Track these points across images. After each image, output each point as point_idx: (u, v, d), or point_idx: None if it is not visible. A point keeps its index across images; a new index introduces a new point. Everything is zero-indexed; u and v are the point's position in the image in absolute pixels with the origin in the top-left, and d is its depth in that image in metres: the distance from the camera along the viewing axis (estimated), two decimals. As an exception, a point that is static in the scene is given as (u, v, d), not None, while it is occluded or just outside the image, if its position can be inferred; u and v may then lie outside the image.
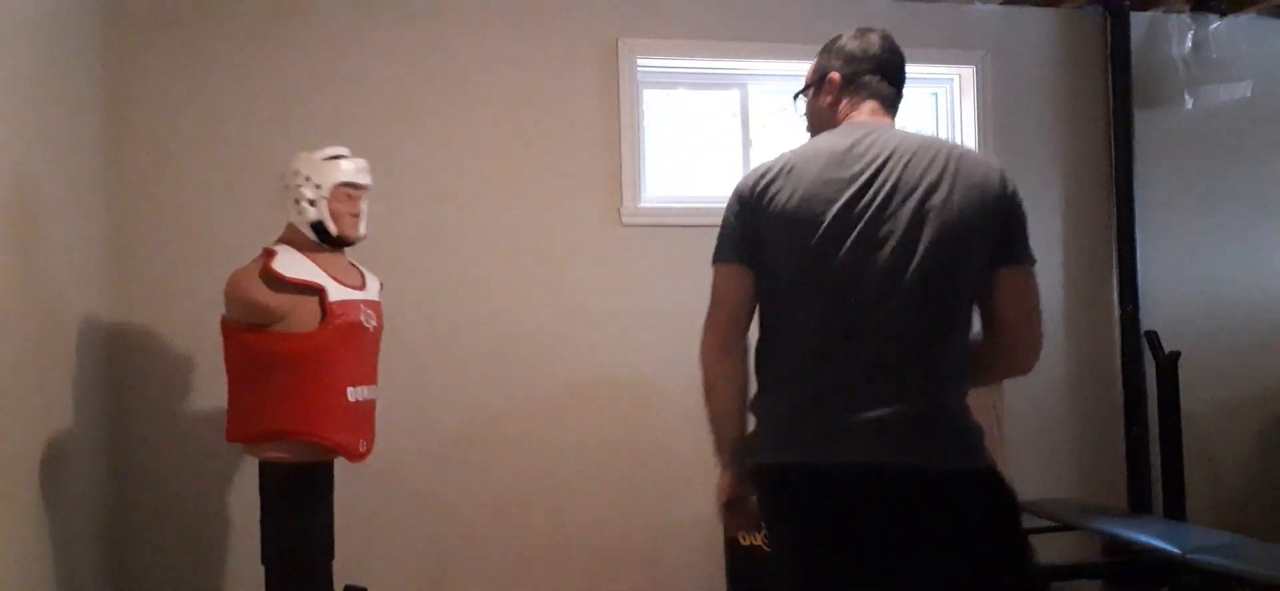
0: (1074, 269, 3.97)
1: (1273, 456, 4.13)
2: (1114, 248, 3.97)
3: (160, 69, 3.23)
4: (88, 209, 2.99)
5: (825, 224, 1.58)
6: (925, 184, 1.58)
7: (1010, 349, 1.65)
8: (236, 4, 3.30)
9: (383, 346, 2.71)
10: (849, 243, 1.57)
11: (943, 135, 3.99)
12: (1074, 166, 3.98)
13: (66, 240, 2.77)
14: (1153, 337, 3.84)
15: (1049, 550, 3.78)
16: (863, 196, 1.58)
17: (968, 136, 3.91)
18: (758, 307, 1.71)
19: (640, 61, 3.64)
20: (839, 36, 1.83)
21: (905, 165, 1.59)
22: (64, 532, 2.62)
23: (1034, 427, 3.87)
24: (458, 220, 3.45)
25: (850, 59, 1.78)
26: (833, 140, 1.68)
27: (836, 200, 1.58)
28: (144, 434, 3.17)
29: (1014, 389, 3.53)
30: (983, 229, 1.58)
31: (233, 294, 2.50)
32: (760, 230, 1.65)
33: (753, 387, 1.71)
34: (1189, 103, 3.98)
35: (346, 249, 2.65)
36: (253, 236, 2.70)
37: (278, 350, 2.45)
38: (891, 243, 1.56)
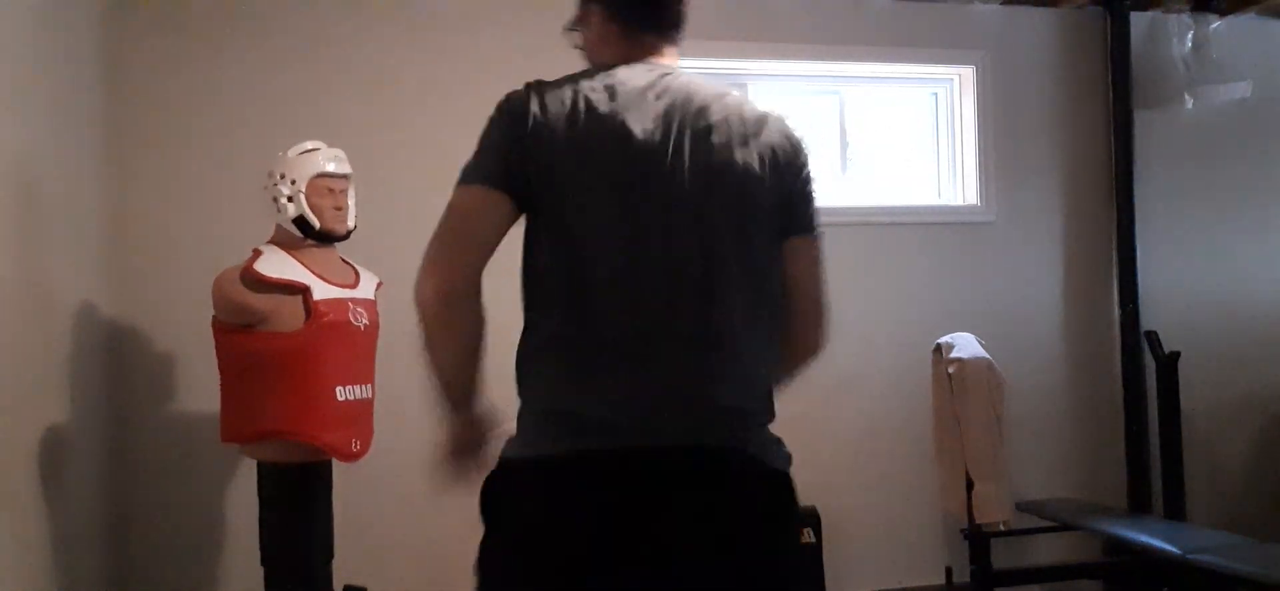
0: (1074, 269, 3.96)
1: (1273, 456, 4.12)
2: (1114, 248, 3.96)
3: (160, 65, 3.23)
4: (87, 206, 2.98)
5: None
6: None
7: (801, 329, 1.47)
8: (236, 1, 3.31)
9: (381, 345, 2.70)
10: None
11: (943, 135, 3.96)
12: (1074, 166, 3.97)
13: (66, 238, 2.78)
14: (1153, 338, 3.84)
15: (1049, 550, 3.79)
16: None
17: (968, 137, 3.88)
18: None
19: (640, 61, 3.63)
20: None
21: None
22: (64, 532, 2.62)
23: (1034, 427, 3.86)
24: (458, 220, 3.44)
25: None
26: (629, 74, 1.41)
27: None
28: (144, 433, 3.17)
29: (1014, 389, 3.53)
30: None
31: (217, 295, 2.49)
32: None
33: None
34: (1189, 103, 3.98)
35: (339, 244, 2.62)
36: (252, 233, 2.69)
37: (263, 350, 2.44)
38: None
